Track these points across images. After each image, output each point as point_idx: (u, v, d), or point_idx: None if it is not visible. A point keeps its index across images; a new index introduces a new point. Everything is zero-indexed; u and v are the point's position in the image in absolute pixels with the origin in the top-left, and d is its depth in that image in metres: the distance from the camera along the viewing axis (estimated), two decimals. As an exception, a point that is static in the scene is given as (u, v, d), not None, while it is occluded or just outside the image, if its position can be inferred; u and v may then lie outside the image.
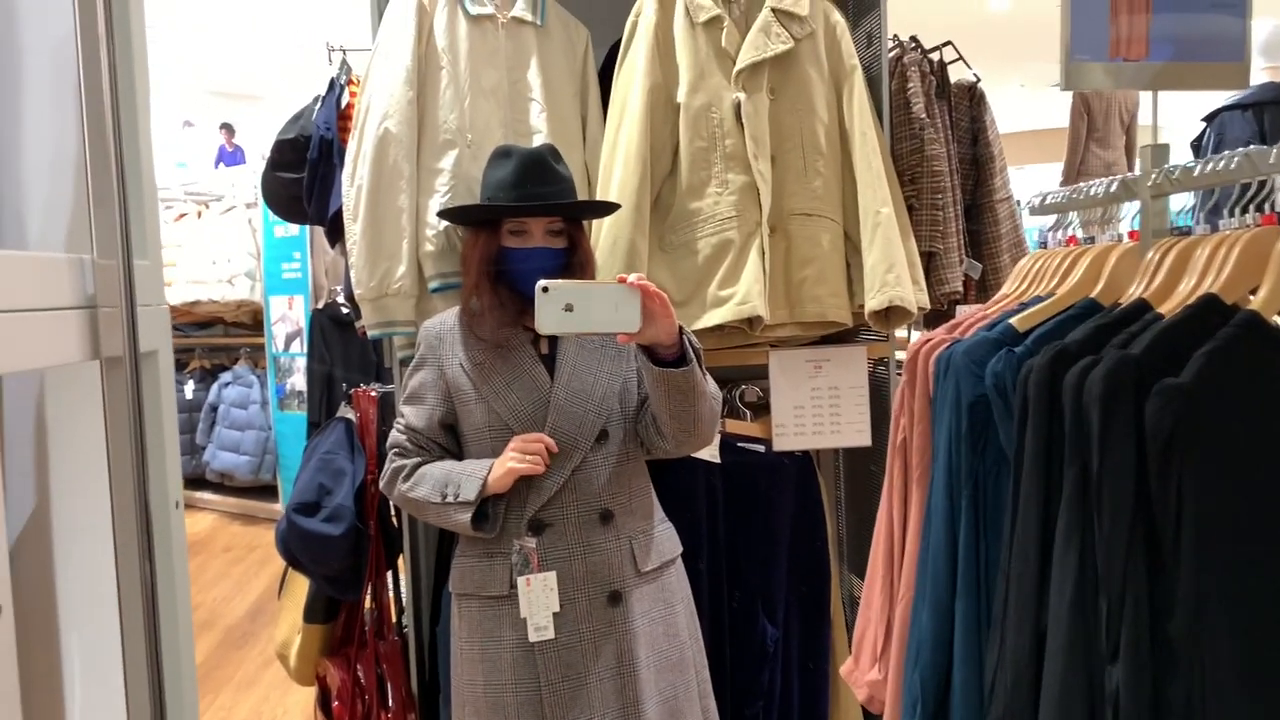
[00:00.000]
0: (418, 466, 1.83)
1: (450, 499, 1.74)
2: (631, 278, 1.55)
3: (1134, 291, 1.31)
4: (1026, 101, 11.55)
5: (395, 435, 1.88)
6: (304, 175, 2.45)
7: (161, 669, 0.80)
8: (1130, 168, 7.06)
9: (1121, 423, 1.08)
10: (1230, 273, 1.15)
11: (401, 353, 2.29)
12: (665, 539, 1.91)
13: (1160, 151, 1.36)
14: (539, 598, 1.76)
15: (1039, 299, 1.50)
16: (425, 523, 1.97)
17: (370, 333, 2.20)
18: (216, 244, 6.47)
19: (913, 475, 1.61)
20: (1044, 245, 1.69)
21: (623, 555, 1.82)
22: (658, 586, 1.85)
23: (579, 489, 1.81)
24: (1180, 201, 1.83)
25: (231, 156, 9.46)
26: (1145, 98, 7.21)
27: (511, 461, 1.72)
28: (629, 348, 1.87)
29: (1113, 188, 1.44)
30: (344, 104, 2.40)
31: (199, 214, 6.76)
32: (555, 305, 1.52)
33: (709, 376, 1.76)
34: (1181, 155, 1.46)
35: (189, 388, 6.96)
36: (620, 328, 1.56)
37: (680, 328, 1.66)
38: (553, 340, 1.86)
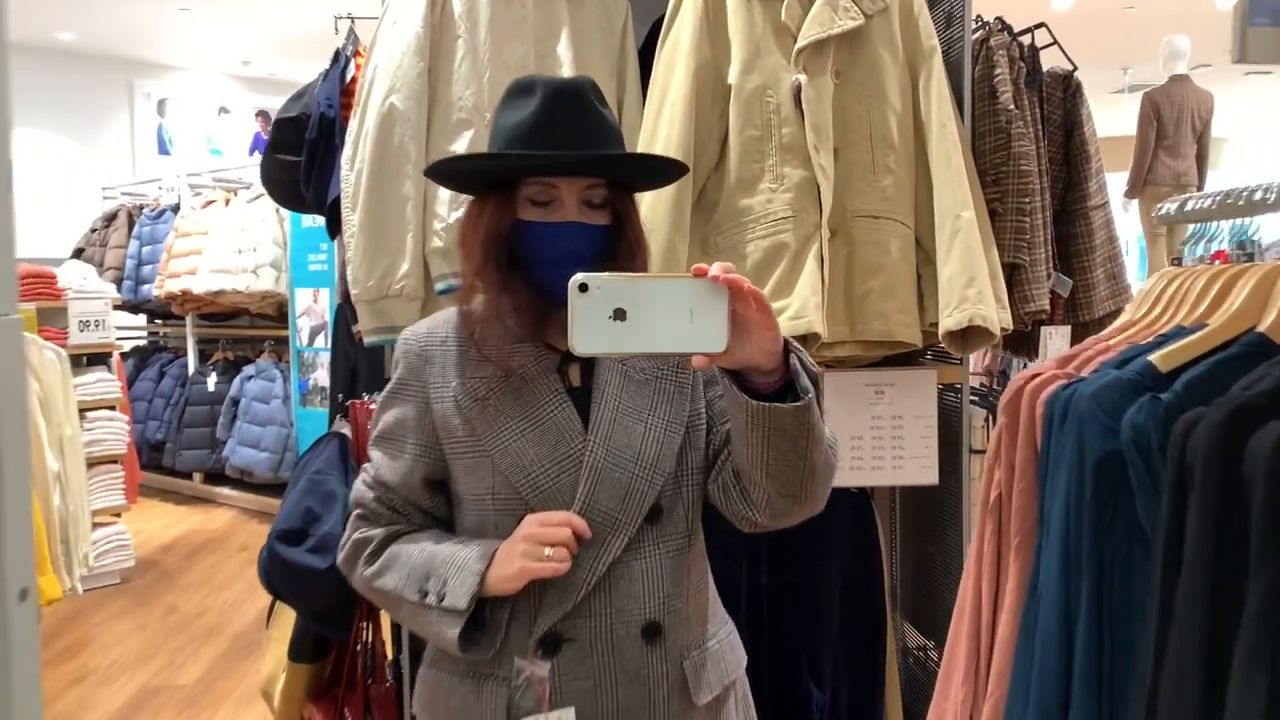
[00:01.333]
0: (389, 541, 1.30)
1: (432, 600, 1.21)
2: (714, 268, 1.00)
3: (1326, 326, 1.00)
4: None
5: (360, 489, 1.34)
6: (302, 157, 2.18)
7: None
8: (1202, 177, 6.68)
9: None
10: None
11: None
12: (728, 650, 1.37)
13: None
14: None
15: (1182, 330, 1.19)
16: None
17: (367, 339, 1.93)
18: (243, 233, 6.27)
19: (1010, 543, 1.30)
20: (1177, 261, 1.38)
21: (671, 685, 1.27)
22: None
23: (616, 592, 1.24)
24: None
25: (265, 144, 9.29)
26: (1221, 104, 6.82)
27: (523, 559, 1.17)
28: (692, 377, 1.32)
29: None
30: (349, 78, 2.13)
31: (227, 201, 6.56)
32: (599, 312, 1.00)
33: (824, 414, 1.18)
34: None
35: (211, 380, 6.77)
36: (699, 346, 1.02)
37: (786, 342, 1.10)
38: (587, 365, 1.30)
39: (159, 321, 7.60)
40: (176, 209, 6.92)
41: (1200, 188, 6.51)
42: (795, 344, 1.12)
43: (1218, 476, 0.90)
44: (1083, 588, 1.14)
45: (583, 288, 1.00)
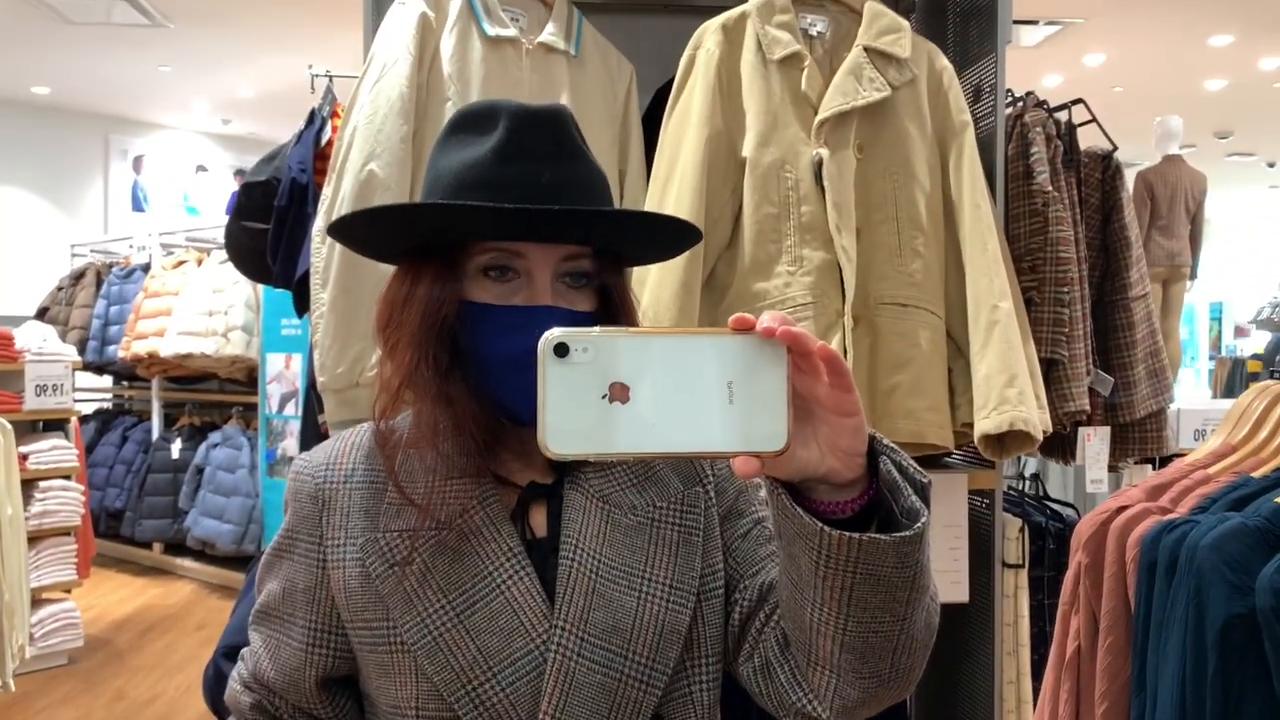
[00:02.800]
0: None
1: None
2: (765, 318, 0.66)
3: None
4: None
5: (233, 690, 1.00)
6: (270, 225, 1.98)
7: None
8: (1195, 257, 6.60)
9: None
10: None
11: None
12: None
13: None
14: None
15: (1310, 463, 1.00)
16: None
17: (333, 431, 1.71)
18: (215, 294, 6.06)
19: (1095, 707, 1.10)
20: (1276, 375, 1.20)
21: None
22: None
23: None
24: None
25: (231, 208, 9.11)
26: (1214, 185, 6.78)
27: None
28: (703, 516, 0.94)
29: None
30: (324, 141, 1.94)
31: (199, 261, 6.36)
32: (586, 389, 0.66)
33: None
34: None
35: (176, 446, 6.49)
36: (745, 442, 0.66)
37: (872, 439, 0.74)
38: (554, 506, 0.93)
39: (124, 384, 7.34)
40: (147, 268, 6.71)
41: (1194, 267, 6.43)
42: (887, 442, 0.75)
43: None
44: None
45: (560, 350, 0.65)
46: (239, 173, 8.89)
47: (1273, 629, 0.86)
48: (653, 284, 1.72)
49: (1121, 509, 1.09)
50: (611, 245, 0.92)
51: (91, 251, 7.72)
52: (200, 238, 6.86)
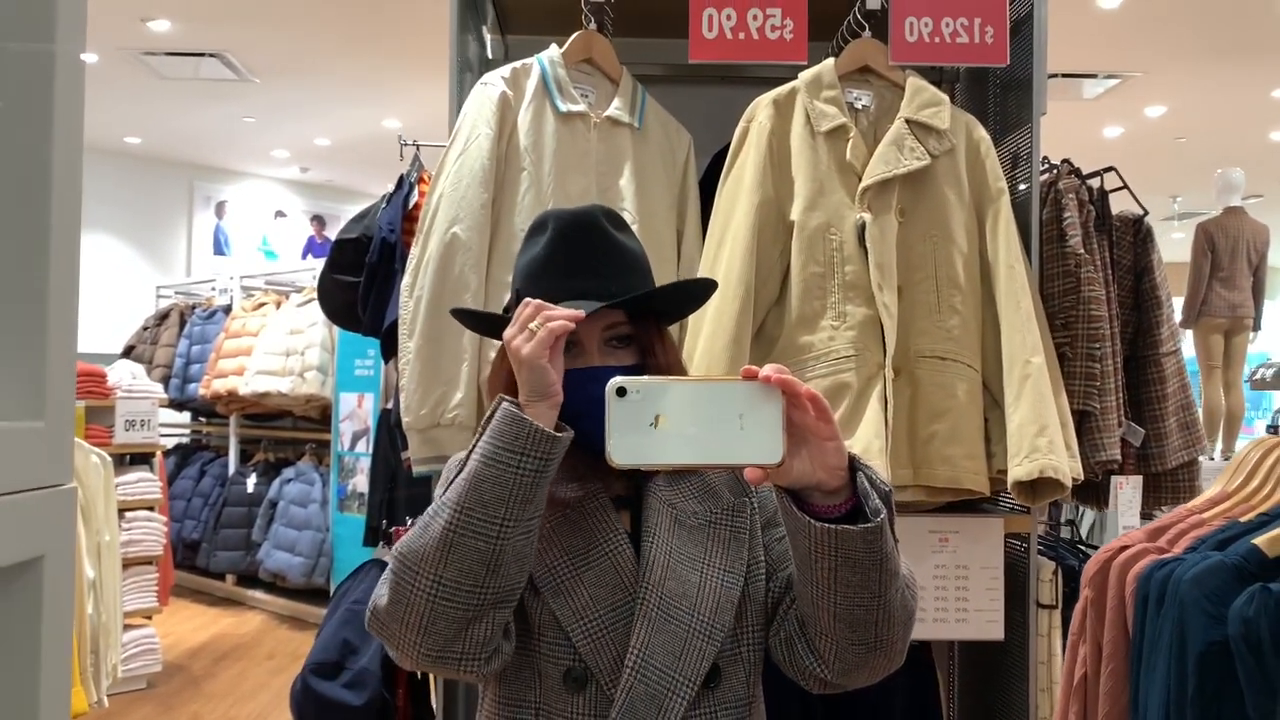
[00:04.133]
0: None
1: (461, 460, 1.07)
2: (767, 369, 0.92)
3: None
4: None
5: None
6: (361, 279, 2.17)
7: None
8: (1258, 309, 6.56)
9: None
10: None
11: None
12: None
13: None
14: None
15: (1289, 509, 1.11)
16: (451, 602, 1.05)
17: (416, 469, 1.88)
18: (292, 335, 6.33)
19: (1099, 728, 1.21)
20: (1274, 429, 1.31)
21: None
22: None
23: None
24: None
25: (320, 248, 9.47)
26: (1277, 236, 6.75)
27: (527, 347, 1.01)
28: (749, 521, 1.19)
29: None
30: (411, 204, 2.14)
31: (278, 304, 6.65)
32: (639, 419, 0.92)
33: (899, 544, 1.03)
34: None
35: (251, 480, 6.76)
36: (751, 457, 0.92)
37: (852, 458, 0.98)
38: (635, 510, 1.18)
39: (203, 420, 7.65)
40: (228, 309, 7.03)
41: (1257, 319, 6.39)
42: (862, 460, 1.00)
43: (1352, 692, 0.82)
44: (1187, 791, 1.05)
45: (620, 392, 0.93)
46: (315, 218, 9.27)
47: (1242, 653, 0.98)
48: (705, 336, 1.87)
49: (1124, 548, 1.21)
50: (638, 310, 1.17)
51: (175, 293, 8.09)
52: (279, 280, 7.17)
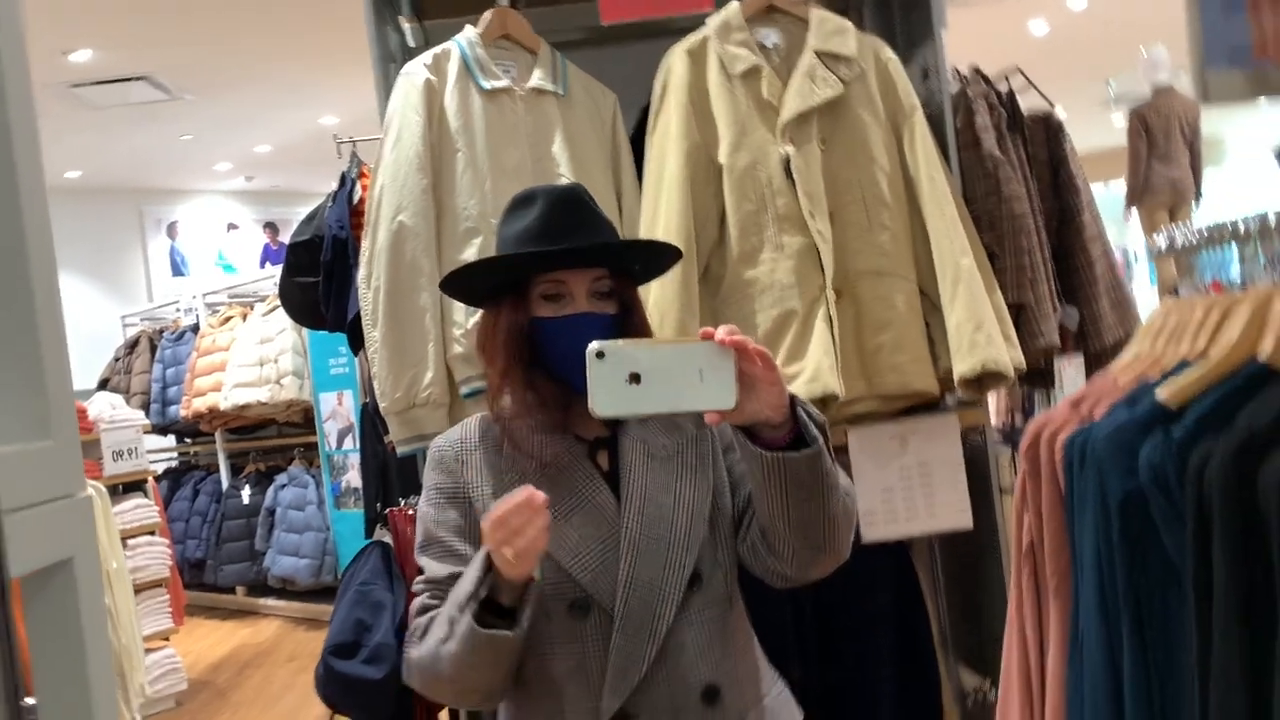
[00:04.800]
0: (430, 625, 1.28)
1: (455, 615, 1.20)
2: (720, 331, 1.10)
3: (1321, 349, 1.03)
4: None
5: (414, 605, 1.34)
6: (319, 278, 2.25)
7: None
8: (1198, 183, 6.71)
9: (1361, 540, 0.80)
10: None
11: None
12: (782, 706, 1.42)
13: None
14: None
15: (1185, 363, 1.22)
16: (465, 693, 1.33)
17: (400, 449, 1.97)
18: (263, 344, 6.38)
19: (1047, 585, 1.33)
20: (1176, 293, 1.42)
21: None
22: None
23: (671, 662, 1.28)
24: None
25: (276, 255, 9.46)
26: (1207, 109, 6.87)
27: (504, 549, 1.15)
28: (710, 447, 1.38)
29: (1272, 221, 1.16)
30: (356, 199, 2.21)
31: (244, 316, 6.69)
32: (615, 376, 1.09)
33: (837, 463, 1.25)
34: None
35: (245, 493, 6.83)
36: (709, 404, 1.10)
37: (792, 397, 1.18)
38: (613, 450, 1.36)
39: (188, 441, 7.70)
40: (196, 329, 7.06)
41: (1198, 191, 6.54)
42: (799, 397, 1.20)
43: (1235, 510, 0.93)
44: (1123, 629, 1.16)
45: (599, 355, 1.10)
46: (268, 225, 9.26)
47: (1155, 497, 1.09)
48: (656, 284, 1.96)
49: (1049, 422, 1.32)
50: (621, 267, 1.38)
51: (141, 320, 8.10)
52: (241, 293, 7.20)
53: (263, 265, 9.63)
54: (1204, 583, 0.98)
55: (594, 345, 1.09)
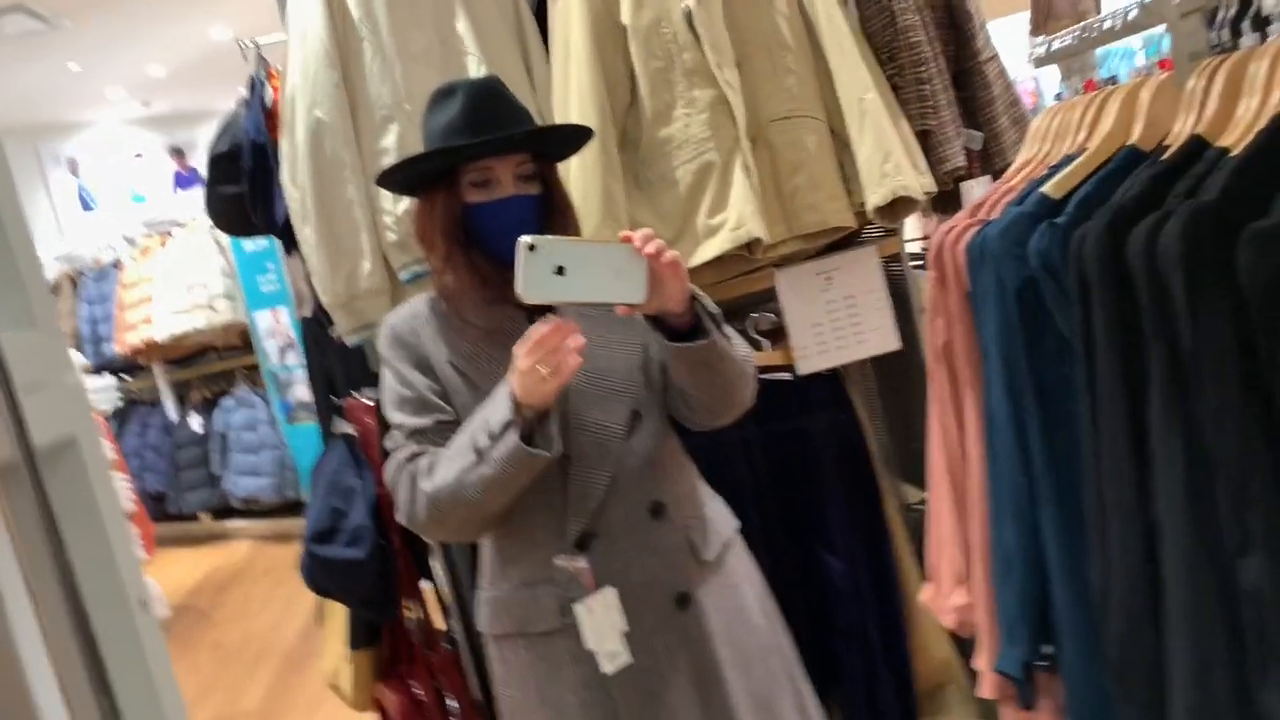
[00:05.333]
0: (435, 460, 1.44)
1: (485, 444, 1.35)
2: (637, 237, 1.28)
3: (1181, 129, 1.14)
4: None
5: (399, 455, 1.49)
6: (244, 186, 2.26)
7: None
8: (1098, 5, 6.77)
9: (1211, 282, 0.92)
10: (1302, 84, 0.98)
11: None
12: (719, 517, 1.65)
13: (1181, -38, 1.17)
14: (604, 621, 1.45)
15: (1069, 159, 1.33)
16: (477, 521, 1.49)
17: (349, 340, 2.04)
18: (188, 271, 6.29)
19: (962, 379, 1.46)
20: (1059, 97, 1.52)
21: (682, 550, 1.54)
22: (722, 575, 1.59)
23: (623, 486, 1.50)
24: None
25: (187, 179, 9.22)
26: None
27: (534, 379, 1.30)
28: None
29: (1131, 15, 1.26)
30: (269, 102, 2.21)
31: (163, 243, 6.57)
32: (543, 267, 1.23)
33: (734, 337, 1.49)
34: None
35: (195, 421, 6.82)
36: (622, 298, 1.28)
37: (691, 289, 1.38)
38: (549, 311, 1.48)
39: (127, 378, 7.62)
40: (117, 264, 6.92)
41: (1098, 10, 6.62)
42: (698, 290, 1.41)
43: (1109, 276, 1.04)
44: (1027, 404, 1.30)
45: (530, 248, 1.24)
46: (174, 151, 8.99)
47: (1044, 280, 1.20)
48: (578, 157, 2.01)
49: (952, 228, 1.43)
50: (542, 150, 1.53)
51: (56, 261, 7.90)
52: (157, 221, 7.04)
53: (175, 191, 9.38)
54: (1090, 345, 1.10)
55: (525, 239, 1.23)
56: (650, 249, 1.28)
